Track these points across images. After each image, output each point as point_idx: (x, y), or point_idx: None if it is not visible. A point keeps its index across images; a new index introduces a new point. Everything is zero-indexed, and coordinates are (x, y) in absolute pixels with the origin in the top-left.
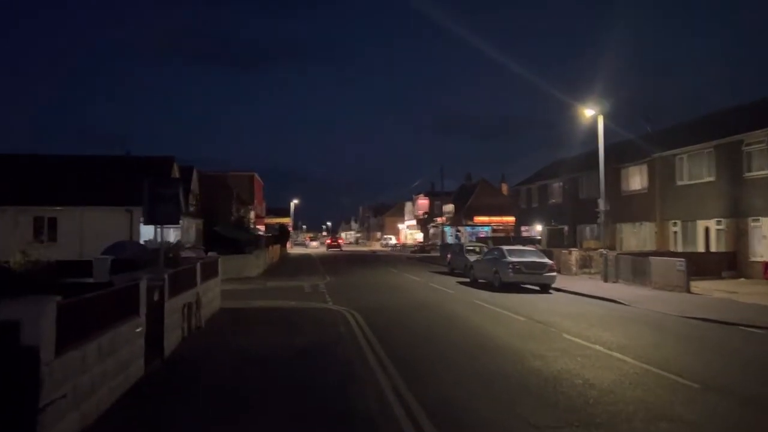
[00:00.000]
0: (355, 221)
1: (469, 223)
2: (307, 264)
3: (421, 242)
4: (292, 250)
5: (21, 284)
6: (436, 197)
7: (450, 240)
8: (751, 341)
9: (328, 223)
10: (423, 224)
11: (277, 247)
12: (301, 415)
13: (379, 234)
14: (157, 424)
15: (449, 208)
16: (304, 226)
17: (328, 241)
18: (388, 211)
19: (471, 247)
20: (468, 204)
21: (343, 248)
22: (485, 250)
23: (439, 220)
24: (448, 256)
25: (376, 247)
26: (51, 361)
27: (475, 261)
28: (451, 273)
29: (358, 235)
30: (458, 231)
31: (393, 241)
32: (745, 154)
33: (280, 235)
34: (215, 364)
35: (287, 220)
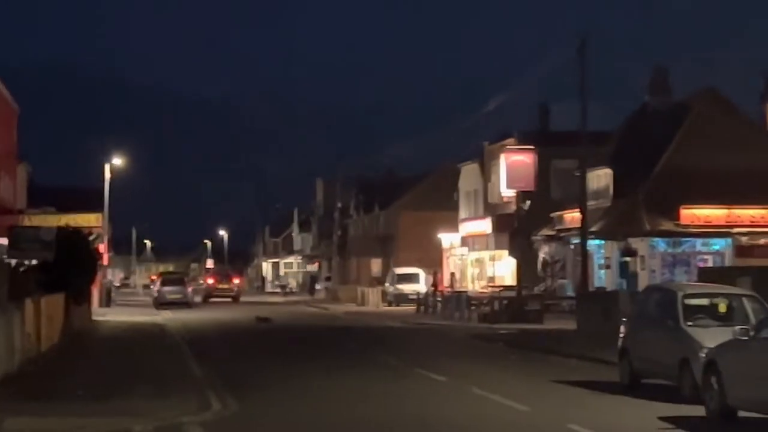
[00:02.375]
0: (304, 226)
1: (664, 227)
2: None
3: (502, 287)
4: (108, 312)
5: None
6: (554, 144)
7: (619, 280)
8: None
9: (222, 234)
10: (514, 231)
11: (58, 300)
12: None
13: (372, 262)
14: None
15: (604, 175)
16: (149, 244)
17: (211, 281)
18: (401, 197)
19: (697, 301)
20: (660, 165)
21: (265, 300)
22: (748, 306)
23: (566, 217)
24: (622, 330)
25: (366, 301)
26: None
27: (723, 347)
28: (631, 385)
29: (311, 264)
30: (629, 249)
31: (420, 279)
32: None
33: (71, 264)
34: None
35: (95, 220)
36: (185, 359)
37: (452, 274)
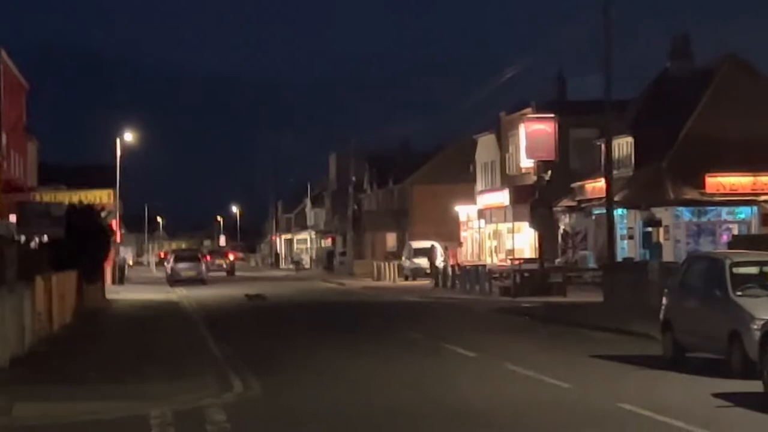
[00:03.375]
0: (316, 201)
1: (688, 195)
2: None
3: (522, 259)
4: (122, 290)
5: None
6: (572, 114)
7: (642, 250)
8: None
9: (234, 210)
10: (535, 202)
11: (69, 278)
12: None
13: (387, 236)
14: None
15: (626, 143)
16: (161, 220)
17: (208, 258)
18: (416, 171)
19: (746, 269)
20: (684, 132)
21: (274, 279)
22: None
23: (587, 187)
24: (664, 301)
25: (382, 276)
26: None
27: None
28: (674, 359)
29: (325, 239)
30: (652, 218)
31: (437, 253)
32: None
33: (83, 241)
34: None
35: (106, 197)
36: (202, 337)
37: (459, 245)
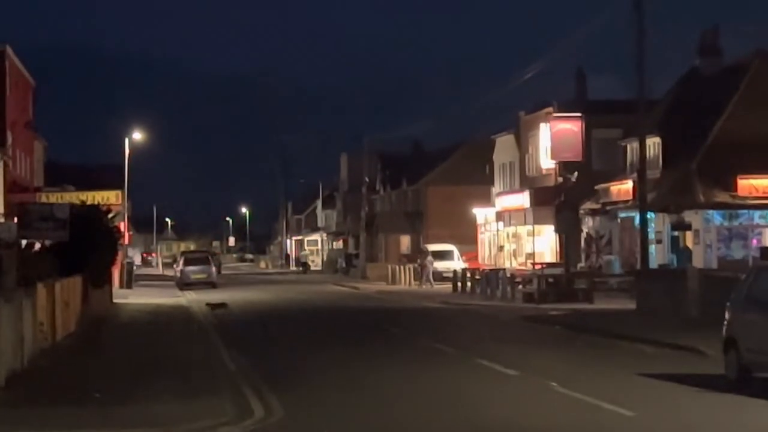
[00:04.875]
0: (327, 202)
1: (719, 198)
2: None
3: (544, 264)
4: (130, 294)
5: None
6: (595, 113)
7: (670, 255)
8: None
9: (243, 211)
10: (560, 204)
11: (74, 283)
12: None
13: (401, 239)
14: None
15: (653, 144)
16: (170, 221)
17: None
18: (430, 172)
19: None
20: (714, 133)
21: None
22: None
23: (612, 190)
24: (727, 316)
25: (397, 279)
26: None
27: None
28: (739, 380)
29: (336, 241)
30: (681, 222)
31: (454, 257)
32: None
33: (89, 244)
34: None
35: (114, 198)
36: (215, 348)
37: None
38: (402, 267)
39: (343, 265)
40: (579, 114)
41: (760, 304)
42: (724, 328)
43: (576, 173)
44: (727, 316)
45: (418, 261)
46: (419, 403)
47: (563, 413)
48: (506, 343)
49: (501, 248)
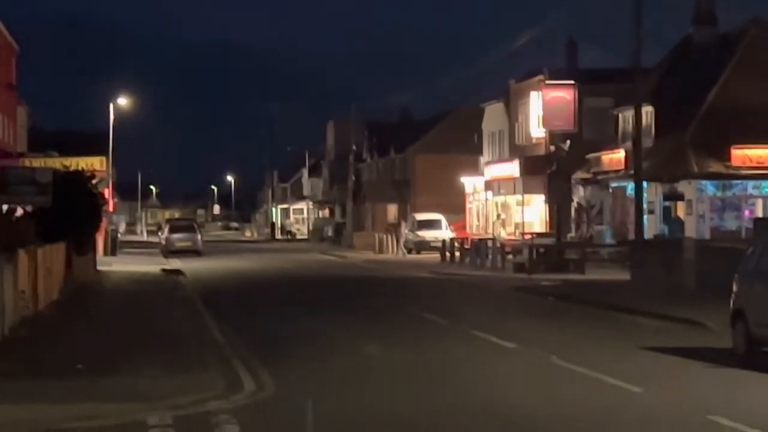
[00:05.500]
0: (314, 170)
1: (713, 168)
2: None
3: (534, 233)
4: (114, 262)
5: None
6: (586, 82)
7: (662, 226)
8: None
9: (229, 179)
10: (552, 174)
11: (57, 250)
12: None
13: (388, 207)
14: None
15: (645, 113)
16: (154, 189)
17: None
18: (418, 140)
19: None
20: (708, 102)
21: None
22: None
23: (603, 159)
24: (735, 288)
25: (384, 248)
26: None
27: None
28: (748, 354)
29: (322, 210)
30: (674, 192)
31: (442, 226)
32: None
33: (72, 210)
34: None
35: (99, 164)
36: (202, 318)
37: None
38: (389, 236)
39: (332, 234)
40: (572, 82)
41: None
42: (732, 301)
43: (568, 142)
44: (734, 288)
45: (394, 231)
46: (418, 379)
47: (569, 390)
48: (500, 314)
49: (499, 216)
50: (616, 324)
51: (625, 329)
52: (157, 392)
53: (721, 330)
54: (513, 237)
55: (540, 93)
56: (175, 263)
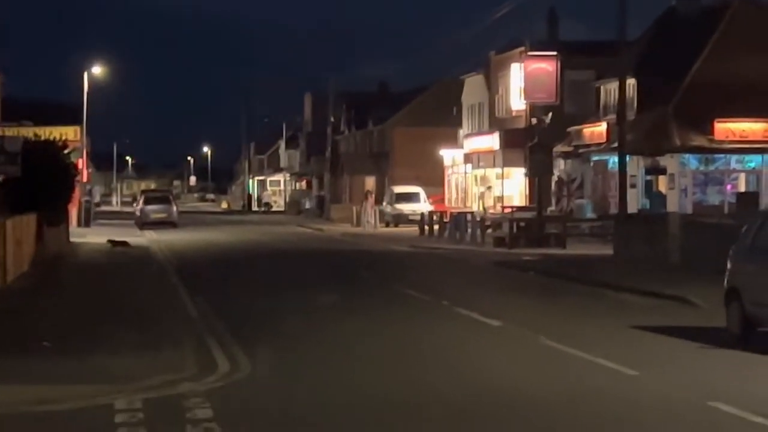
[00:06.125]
0: (291, 142)
1: (696, 142)
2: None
3: (514, 207)
4: (88, 233)
5: None
6: (567, 54)
7: (643, 200)
8: None
9: (205, 150)
10: (533, 147)
11: (28, 221)
12: None
13: (366, 180)
14: None
15: (628, 86)
16: (130, 159)
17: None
18: (396, 113)
19: None
20: (691, 75)
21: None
22: None
23: (585, 132)
24: (729, 266)
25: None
26: None
27: None
28: (743, 335)
29: (299, 182)
30: (657, 166)
31: (420, 199)
32: None
33: (44, 180)
34: None
35: (73, 134)
36: (176, 292)
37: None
38: (359, 209)
39: (310, 206)
40: (555, 53)
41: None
42: (726, 279)
43: (550, 114)
44: (728, 266)
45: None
46: (400, 359)
47: (561, 372)
48: (482, 290)
49: (489, 188)
50: (603, 301)
51: (613, 306)
52: (126, 372)
53: (710, 308)
54: (493, 211)
55: (521, 65)
56: (150, 235)
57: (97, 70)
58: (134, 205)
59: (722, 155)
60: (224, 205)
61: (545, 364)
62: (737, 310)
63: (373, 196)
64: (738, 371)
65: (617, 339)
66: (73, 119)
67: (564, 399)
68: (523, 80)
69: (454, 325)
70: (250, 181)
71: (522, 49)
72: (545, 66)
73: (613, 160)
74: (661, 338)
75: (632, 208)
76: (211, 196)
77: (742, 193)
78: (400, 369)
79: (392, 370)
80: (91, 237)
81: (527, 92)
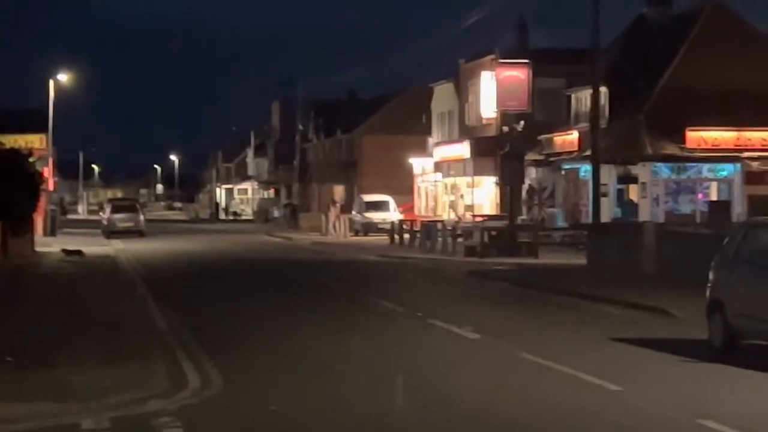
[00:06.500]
0: (259, 150)
1: (667, 150)
2: None
3: (485, 216)
4: (54, 242)
5: None
6: (538, 62)
7: (615, 209)
8: None
9: (173, 159)
10: (506, 155)
11: None
12: None
13: (335, 189)
14: None
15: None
16: (97, 168)
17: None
18: (365, 121)
19: None
20: (663, 83)
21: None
22: None
23: (556, 140)
24: (712, 277)
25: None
26: None
27: None
28: (726, 348)
29: (267, 190)
30: (628, 175)
31: (390, 208)
32: None
33: (8, 189)
34: None
35: (38, 142)
36: (144, 303)
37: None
38: (323, 217)
39: (278, 215)
40: (526, 61)
41: (752, 264)
42: (708, 290)
43: (522, 122)
44: (711, 276)
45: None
46: (376, 374)
47: (544, 389)
48: (457, 301)
49: (462, 197)
50: (580, 312)
51: (590, 318)
52: (93, 389)
53: (689, 319)
54: (462, 219)
55: (491, 73)
56: (117, 244)
57: (63, 77)
58: (101, 213)
59: (694, 164)
60: (191, 214)
61: (525, 379)
62: (720, 322)
63: (338, 204)
64: (724, 386)
65: (597, 352)
66: (38, 127)
67: (548, 417)
68: (495, 88)
69: (431, 339)
70: (218, 189)
71: (492, 56)
72: (517, 74)
73: (585, 168)
74: (642, 351)
75: (604, 217)
76: (178, 204)
77: (714, 202)
78: (375, 385)
79: (367, 386)
80: (57, 246)
81: (499, 100)
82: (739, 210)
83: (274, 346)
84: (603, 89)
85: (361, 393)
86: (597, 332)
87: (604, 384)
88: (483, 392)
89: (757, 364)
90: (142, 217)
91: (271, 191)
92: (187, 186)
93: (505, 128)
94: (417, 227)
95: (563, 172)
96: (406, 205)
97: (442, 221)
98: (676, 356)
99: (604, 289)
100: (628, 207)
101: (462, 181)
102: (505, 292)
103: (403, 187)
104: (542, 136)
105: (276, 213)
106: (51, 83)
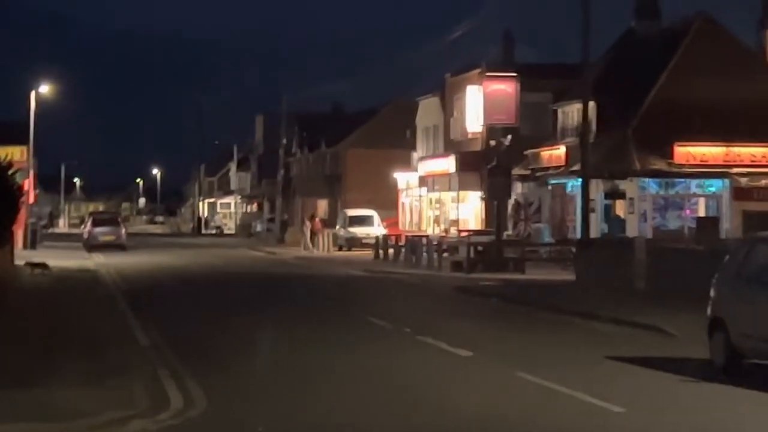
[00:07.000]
0: (242, 164)
1: (655, 166)
2: None
3: (471, 231)
4: (34, 256)
5: None
6: (524, 76)
7: (602, 224)
8: None
9: (155, 172)
10: (492, 169)
11: None
12: None
13: (318, 203)
14: None
15: None
16: (78, 181)
17: None
18: (349, 135)
19: None
20: (651, 98)
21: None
22: None
23: (543, 155)
24: (713, 294)
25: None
26: None
27: None
28: (728, 367)
29: (250, 204)
30: (616, 190)
31: (374, 222)
32: None
33: None
34: None
35: (19, 154)
36: (124, 319)
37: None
38: (303, 231)
39: (261, 229)
40: (514, 74)
41: (755, 281)
42: (709, 308)
43: (509, 137)
44: (712, 294)
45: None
46: (365, 393)
47: (542, 410)
48: (446, 317)
49: (446, 212)
50: (573, 329)
51: (584, 336)
52: (72, 409)
53: (686, 338)
54: (447, 234)
55: (478, 87)
56: (98, 258)
57: (45, 89)
58: (82, 227)
59: (682, 179)
60: (173, 228)
61: (524, 400)
62: (722, 341)
63: (317, 219)
64: (728, 408)
65: (595, 371)
66: (19, 139)
67: None
68: (482, 101)
69: (423, 356)
70: (201, 203)
71: (478, 70)
72: (504, 87)
73: (572, 183)
74: (641, 370)
75: (591, 232)
76: (160, 218)
77: (702, 218)
78: (365, 405)
79: (357, 406)
80: (37, 260)
81: (487, 113)
82: (727, 226)
83: (261, 363)
84: (591, 103)
85: (351, 412)
86: (593, 351)
87: (605, 405)
88: (479, 413)
89: (760, 385)
90: (123, 231)
91: (254, 205)
92: (170, 200)
93: (492, 142)
94: (401, 242)
95: (550, 187)
96: (390, 220)
97: (427, 236)
98: (676, 376)
99: (596, 306)
100: (615, 222)
101: (447, 196)
102: (495, 308)
103: (387, 201)
104: (528, 151)
105: (259, 227)
106: (32, 95)
